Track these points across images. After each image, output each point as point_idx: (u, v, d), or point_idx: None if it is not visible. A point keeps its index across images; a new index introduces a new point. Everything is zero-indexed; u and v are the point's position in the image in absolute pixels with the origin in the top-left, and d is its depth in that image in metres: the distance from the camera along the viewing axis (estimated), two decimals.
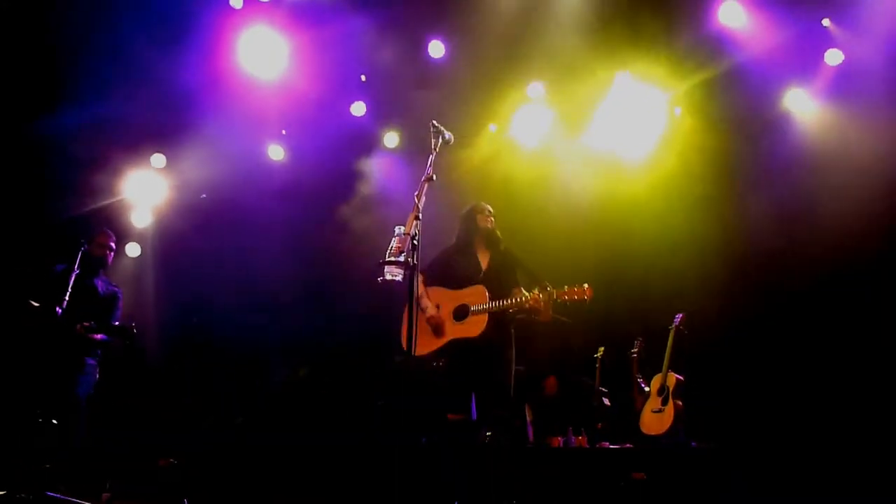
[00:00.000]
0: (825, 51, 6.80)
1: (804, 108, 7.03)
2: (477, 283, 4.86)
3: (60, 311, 5.07)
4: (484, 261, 5.02)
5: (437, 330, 4.84)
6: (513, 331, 4.96)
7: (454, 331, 4.82)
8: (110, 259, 5.69)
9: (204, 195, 7.45)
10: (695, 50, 6.90)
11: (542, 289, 4.63)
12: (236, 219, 7.41)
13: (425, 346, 4.86)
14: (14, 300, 5.27)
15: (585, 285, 4.55)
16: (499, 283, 4.85)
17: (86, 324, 5.18)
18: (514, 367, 4.92)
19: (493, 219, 5.11)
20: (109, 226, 5.95)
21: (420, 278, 4.52)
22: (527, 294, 4.65)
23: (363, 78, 7.55)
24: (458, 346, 4.82)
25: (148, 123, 7.12)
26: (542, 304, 4.59)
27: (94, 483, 5.60)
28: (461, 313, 4.84)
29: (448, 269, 5.00)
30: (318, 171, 7.60)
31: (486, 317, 4.74)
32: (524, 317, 4.81)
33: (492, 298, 4.76)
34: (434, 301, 4.93)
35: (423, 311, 4.86)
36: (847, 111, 6.72)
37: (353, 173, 7.72)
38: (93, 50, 6.48)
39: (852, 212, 6.35)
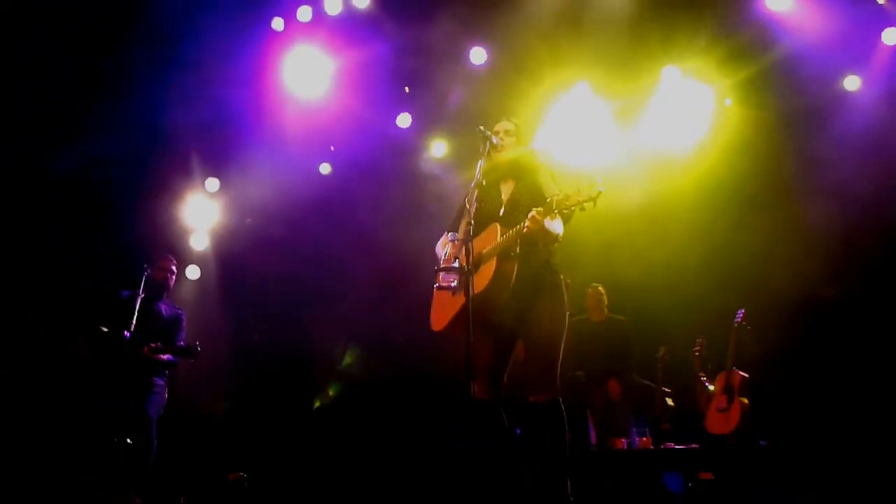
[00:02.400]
0: (882, 30, 6.60)
1: (862, 92, 6.82)
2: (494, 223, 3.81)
3: (129, 334, 5.25)
4: (506, 194, 3.96)
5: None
6: (562, 278, 3.86)
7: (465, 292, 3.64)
8: (172, 282, 5.83)
9: (249, 220, 7.54)
10: (743, 39, 6.77)
11: (544, 203, 3.61)
12: (291, 237, 7.51)
13: (445, 316, 3.83)
14: (84, 326, 5.48)
15: (597, 179, 3.45)
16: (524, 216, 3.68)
17: (152, 345, 5.34)
18: (560, 329, 3.76)
19: (513, 138, 4.02)
20: (168, 250, 6.10)
21: (445, 236, 4.04)
22: (529, 214, 3.60)
23: (406, 90, 7.61)
24: (479, 308, 3.59)
25: (199, 147, 7.26)
26: (540, 222, 3.57)
27: (169, 499, 5.75)
28: (475, 265, 3.70)
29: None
30: (368, 185, 7.67)
31: (493, 260, 3.66)
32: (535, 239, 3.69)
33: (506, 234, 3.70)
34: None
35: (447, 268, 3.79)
36: None
37: (403, 185, 7.77)
38: (139, 74, 6.64)
39: None
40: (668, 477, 5.37)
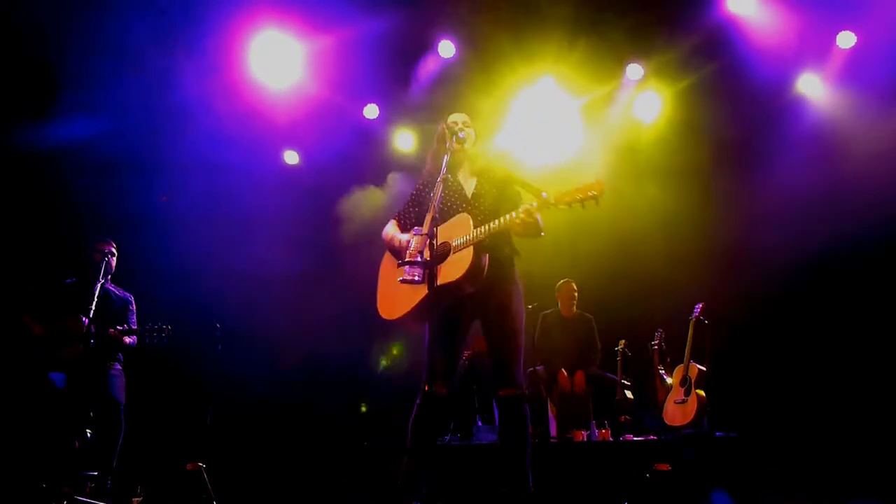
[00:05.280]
0: (837, 34, 6.76)
1: (817, 93, 7.00)
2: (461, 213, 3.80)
3: (87, 321, 5.17)
4: (469, 188, 3.95)
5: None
6: (517, 276, 3.91)
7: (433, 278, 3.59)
8: (112, 264, 5.62)
9: (164, 198, 7.14)
10: (704, 37, 6.88)
11: (539, 197, 3.56)
12: (249, 226, 7.39)
13: (402, 306, 3.75)
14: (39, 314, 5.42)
15: (595, 178, 3.46)
16: (493, 210, 3.81)
17: (118, 327, 5.32)
18: (521, 325, 3.81)
19: (470, 130, 3.94)
20: (113, 235, 5.87)
21: (392, 223, 4.05)
22: (522, 207, 3.58)
23: None
24: (441, 299, 3.61)
25: (154, 133, 7.00)
26: (534, 215, 3.57)
27: (126, 487, 5.68)
28: (441, 255, 3.67)
29: (425, 207, 3.84)
30: (332, 176, 7.60)
31: (470, 251, 3.63)
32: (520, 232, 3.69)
33: (479, 226, 3.67)
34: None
35: (402, 251, 3.75)
36: (861, 94, 6.68)
37: (367, 176, 7.72)
38: (96, 64, 6.45)
39: (871, 197, 6.31)
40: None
